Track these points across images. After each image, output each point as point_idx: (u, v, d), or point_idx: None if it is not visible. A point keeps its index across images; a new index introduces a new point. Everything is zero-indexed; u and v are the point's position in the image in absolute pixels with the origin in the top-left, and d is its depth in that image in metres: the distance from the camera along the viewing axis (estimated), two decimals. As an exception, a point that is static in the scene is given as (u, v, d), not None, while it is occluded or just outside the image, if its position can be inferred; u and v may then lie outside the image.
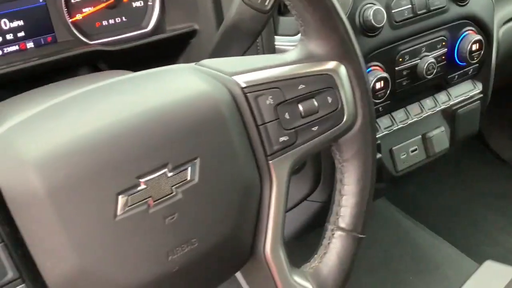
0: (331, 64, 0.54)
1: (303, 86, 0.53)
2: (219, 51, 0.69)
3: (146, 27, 0.85)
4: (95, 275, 0.43)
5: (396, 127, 0.94)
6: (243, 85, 0.51)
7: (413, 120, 0.96)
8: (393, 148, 0.94)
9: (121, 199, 0.43)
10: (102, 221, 0.43)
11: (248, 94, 0.51)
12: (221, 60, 0.54)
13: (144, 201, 0.44)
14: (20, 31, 0.76)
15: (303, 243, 0.96)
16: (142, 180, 0.44)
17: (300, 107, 0.53)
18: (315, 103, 0.53)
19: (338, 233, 0.58)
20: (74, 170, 0.42)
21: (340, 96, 0.54)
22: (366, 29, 0.82)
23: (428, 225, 1.38)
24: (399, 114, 0.94)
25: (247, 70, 0.52)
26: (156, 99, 0.47)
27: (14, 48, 0.77)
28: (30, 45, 0.78)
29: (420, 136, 0.98)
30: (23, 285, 0.41)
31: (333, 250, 0.57)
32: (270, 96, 0.51)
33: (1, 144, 0.43)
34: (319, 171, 0.93)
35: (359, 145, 0.56)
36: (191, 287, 0.49)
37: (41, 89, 0.64)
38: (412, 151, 0.97)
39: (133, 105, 0.46)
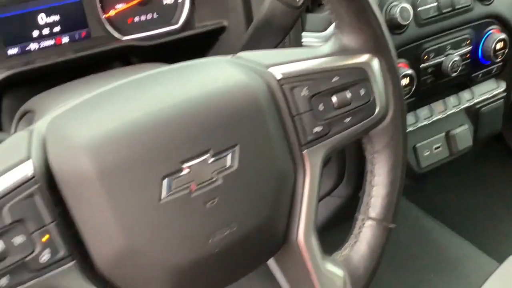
0: (364, 57, 0.56)
1: (337, 78, 0.54)
2: (250, 46, 0.70)
3: (176, 24, 0.87)
4: (140, 254, 0.45)
5: (420, 124, 0.95)
6: (279, 76, 0.53)
7: (437, 118, 0.97)
8: (417, 145, 0.95)
9: (166, 183, 0.45)
10: (148, 203, 0.44)
11: (284, 85, 0.52)
12: (257, 53, 0.55)
13: (187, 185, 0.46)
14: (56, 26, 0.79)
15: (327, 237, 0.97)
16: (185, 165, 0.46)
17: (334, 98, 0.54)
18: (348, 95, 0.55)
19: (368, 223, 0.59)
20: (123, 154, 0.44)
21: (372, 89, 0.56)
22: (392, 27, 0.84)
23: (447, 224, 1.38)
24: (423, 111, 0.96)
25: (282, 62, 0.54)
26: (197, 88, 0.49)
27: (50, 42, 0.79)
28: (65, 39, 0.80)
29: (443, 134, 0.99)
30: (73, 262, 0.43)
31: (363, 239, 0.59)
32: (305, 88, 0.53)
33: (53, 129, 0.45)
34: (343, 167, 0.95)
35: (390, 137, 0.58)
36: (228, 270, 0.51)
37: (84, 80, 0.66)
38: (436, 148, 0.98)
39: (176, 94, 0.48)
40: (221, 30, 0.85)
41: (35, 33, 0.77)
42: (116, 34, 0.83)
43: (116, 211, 0.43)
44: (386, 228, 0.59)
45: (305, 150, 0.54)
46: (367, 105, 0.56)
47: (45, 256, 0.42)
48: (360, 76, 0.55)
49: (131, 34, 0.84)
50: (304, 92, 0.53)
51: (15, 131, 0.69)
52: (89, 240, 0.44)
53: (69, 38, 0.80)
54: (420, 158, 0.96)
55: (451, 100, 0.99)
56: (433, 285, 1.20)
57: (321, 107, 0.54)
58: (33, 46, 0.78)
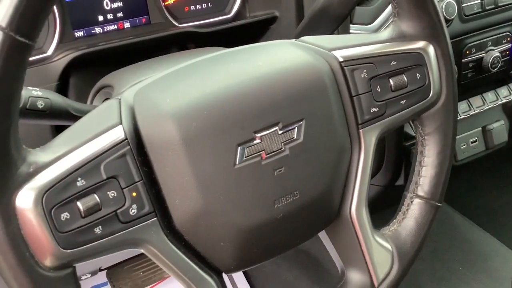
0: (421, 44, 0.59)
1: (395, 62, 0.58)
2: (306, 33, 0.74)
3: (229, 13, 0.92)
4: (214, 214, 0.49)
5: (458, 118, 0.98)
6: (341, 59, 0.56)
7: (475, 112, 1.00)
8: (455, 138, 0.98)
9: (240, 150, 0.49)
10: (224, 168, 0.49)
11: (345, 67, 0.56)
12: (319, 37, 0.59)
13: (258, 153, 0.50)
14: (119, 12, 0.84)
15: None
16: (257, 135, 0.50)
17: (391, 81, 0.58)
18: (405, 78, 0.58)
19: (416, 201, 0.62)
20: (204, 122, 0.48)
21: (427, 74, 0.59)
22: (437, 21, 0.87)
23: (475, 222, 1.40)
24: (461, 106, 0.99)
25: (344, 46, 0.58)
26: (269, 66, 0.53)
27: (113, 27, 0.84)
28: (127, 25, 0.85)
29: (480, 128, 1.02)
30: (155, 218, 0.48)
31: (411, 216, 0.62)
32: (365, 70, 0.57)
33: (140, 98, 0.49)
34: (383, 156, 0.98)
35: (441, 120, 0.61)
36: (288, 236, 0.55)
37: (154, 60, 0.71)
38: (472, 142, 1.01)
39: (250, 70, 0.52)
40: (272, 20, 0.89)
41: (100, 18, 0.83)
42: (173, 21, 0.88)
43: (196, 174, 0.48)
44: (433, 206, 0.62)
45: (362, 129, 0.57)
46: (422, 89, 0.59)
47: (133, 210, 0.47)
48: (417, 61, 0.59)
49: (187, 22, 0.89)
50: (364, 74, 0.57)
51: (92, 103, 0.74)
52: (169, 199, 0.48)
53: (130, 23, 0.85)
54: (457, 151, 0.99)
55: (489, 96, 1.02)
56: (461, 276, 1.22)
57: (378, 89, 0.57)
58: (97, 30, 0.83)
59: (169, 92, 0.50)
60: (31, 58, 0.76)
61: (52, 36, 0.79)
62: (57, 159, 0.44)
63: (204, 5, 0.91)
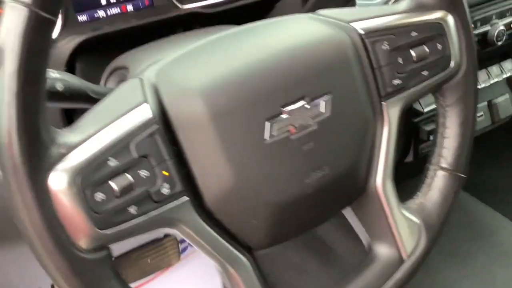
0: (440, 14, 0.59)
1: (416, 33, 0.57)
2: (317, 8, 0.73)
3: (231, -7, 0.90)
4: (245, 191, 0.48)
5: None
6: (361, 31, 0.56)
7: (480, 87, 0.99)
8: (461, 112, 0.98)
9: (268, 125, 0.48)
10: (253, 143, 0.48)
11: (366, 39, 0.56)
12: (336, 10, 0.58)
13: (287, 128, 0.49)
14: (122, -6, 0.82)
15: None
16: (285, 109, 0.49)
17: (412, 52, 0.57)
18: (426, 49, 0.58)
19: (440, 173, 0.62)
20: (232, 98, 0.47)
21: (448, 44, 0.59)
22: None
23: (480, 197, 1.40)
24: (467, 80, 0.98)
25: (363, 18, 0.57)
26: (290, 40, 0.52)
27: (116, 10, 0.82)
28: (130, 8, 0.83)
29: (486, 102, 1.02)
30: (187, 198, 0.47)
31: (435, 188, 0.62)
32: (386, 42, 0.56)
33: (164, 76, 0.48)
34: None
35: (462, 91, 0.61)
36: (317, 212, 0.55)
37: (167, 39, 0.70)
38: (479, 117, 1.01)
39: (271, 45, 0.51)
40: (277, -3, 0.88)
41: (103, 1, 0.81)
42: (176, 3, 0.86)
43: (225, 151, 0.47)
44: (457, 177, 0.62)
45: (384, 102, 0.57)
46: (443, 59, 0.59)
47: (164, 189, 0.46)
48: (437, 31, 0.58)
49: (190, 3, 0.87)
50: (385, 46, 0.56)
51: (105, 86, 0.72)
52: (200, 177, 0.47)
53: (133, 6, 0.83)
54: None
55: (494, 69, 1.02)
56: (468, 250, 1.23)
57: (400, 60, 0.57)
58: (100, 13, 0.81)
59: (194, 69, 0.48)
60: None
61: (55, 20, 0.77)
62: (86, 138, 0.43)
63: (207, -14, 0.89)
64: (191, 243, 0.49)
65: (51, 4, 0.39)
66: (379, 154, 0.57)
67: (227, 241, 0.50)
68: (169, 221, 0.47)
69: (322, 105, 0.51)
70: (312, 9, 0.74)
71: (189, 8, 0.85)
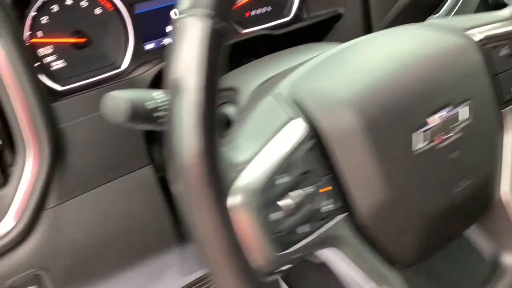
0: None
1: None
2: (395, 24, 0.73)
3: (287, 16, 0.90)
4: (399, 203, 0.46)
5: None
6: (479, 38, 0.55)
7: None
8: None
9: (417, 135, 0.47)
10: (404, 153, 0.46)
11: (484, 46, 0.55)
12: (448, 19, 0.58)
13: (434, 137, 0.48)
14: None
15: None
16: (430, 118, 0.48)
17: None
18: None
19: None
20: (380, 107, 0.46)
21: None
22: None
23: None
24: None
25: (476, 25, 0.57)
26: (420, 49, 0.51)
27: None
28: (193, 34, 0.81)
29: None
30: (345, 213, 0.45)
31: None
32: (503, 48, 0.56)
33: (302, 90, 0.46)
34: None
35: None
36: (461, 222, 0.53)
37: (264, 59, 0.69)
38: None
39: (403, 54, 0.50)
40: (336, 17, 0.88)
41: (168, 28, 0.79)
42: (236, 27, 0.85)
43: (379, 162, 0.45)
44: None
45: (504, 109, 0.56)
46: None
47: (328, 206, 0.44)
48: None
49: (249, 27, 0.86)
50: (503, 52, 0.56)
51: None
52: (355, 191, 0.45)
53: (196, 32, 0.82)
54: None
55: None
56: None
57: None
58: (166, 41, 0.79)
59: (335, 80, 0.47)
60: (106, 74, 0.73)
61: (124, 50, 0.75)
62: (252, 157, 0.41)
63: (264, 9, 0.88)
64: (338, 264, 0.46)
65: (226, 12, 0.38)
66: (505, 162, 0.57)
67: (379, 260, 0.47)
68: (331, 239, 0.44)
69: (466, 110, 0.50)
70: (392, 24, 0.74)
71: (255, 31, 0.84)
